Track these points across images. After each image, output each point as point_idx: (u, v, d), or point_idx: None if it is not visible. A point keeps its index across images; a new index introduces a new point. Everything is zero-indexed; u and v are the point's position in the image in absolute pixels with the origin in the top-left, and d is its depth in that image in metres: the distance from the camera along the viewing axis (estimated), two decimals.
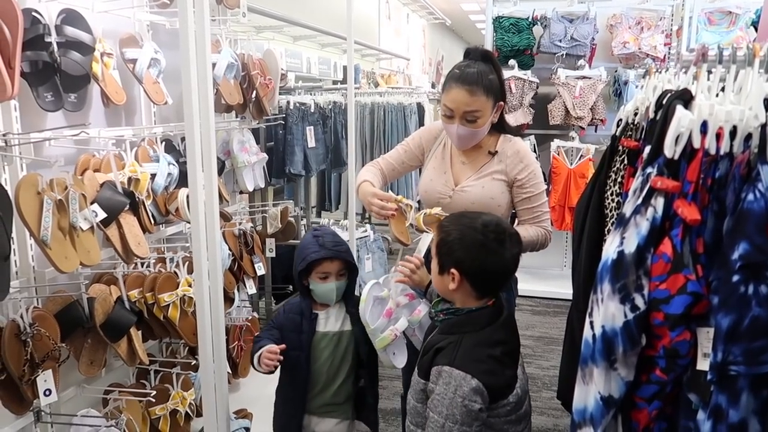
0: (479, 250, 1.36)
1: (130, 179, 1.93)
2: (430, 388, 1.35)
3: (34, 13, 1.67)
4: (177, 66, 2.07)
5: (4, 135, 1.59)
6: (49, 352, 1.60)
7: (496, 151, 1.85)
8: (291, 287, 3.82)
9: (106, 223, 1.77)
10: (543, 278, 4.72)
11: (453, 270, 1.38)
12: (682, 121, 1.03)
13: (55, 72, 1.72)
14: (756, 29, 3.88)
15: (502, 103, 1.82)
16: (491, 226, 1.38)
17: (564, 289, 4.32)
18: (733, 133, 1.02)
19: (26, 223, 1.52)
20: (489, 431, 1.34)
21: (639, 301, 1.07)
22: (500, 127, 1.88)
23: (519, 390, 1.38)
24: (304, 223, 4.07)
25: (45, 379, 1.60)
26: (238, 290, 2.57)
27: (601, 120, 4.07)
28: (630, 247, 1.08)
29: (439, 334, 1.42)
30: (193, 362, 2.27)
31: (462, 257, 1.37)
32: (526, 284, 4.59)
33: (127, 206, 1.84)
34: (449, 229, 1.42)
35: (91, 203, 1.74)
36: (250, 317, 2.70)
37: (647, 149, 1.19)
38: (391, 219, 1.76)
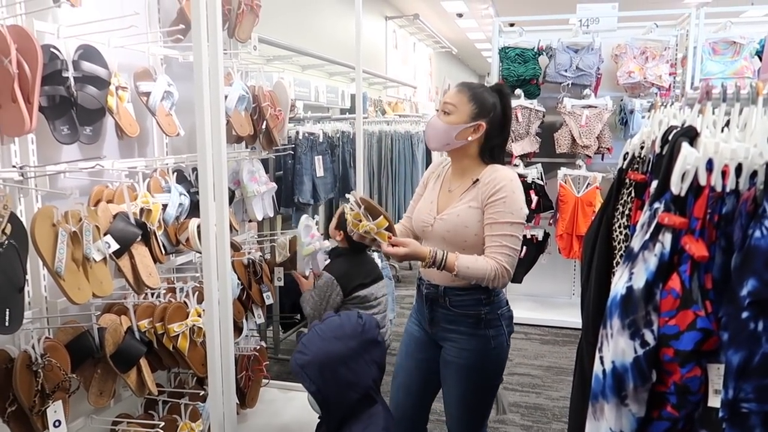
0: None
1: (142, 210, 1.95)
2: None
3: (52, 49, 1.71)
4: (189, 97, 2.13)
5: (21, 167, 1.62)
6: (60, 383, 1.61)
7: (478, 179, 1.85)
8: (299, 316, 3.80)
9: (118, 254, 1.79)
10: (551, 307, 4.70)
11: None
12: (688, 158, 1.04)
13: (72, 106, 1.75)
14: (760, 59, 3.92)
15: (482, 123, 1.84)
16: None
17: (572, 317, 4.30)
18: (739, 170, 1.03)
19: (41, 254, 1.54)
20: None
21: (649, 337, 1.07)
22: (491, 157, 1.89)
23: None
24: None
25: (55, 410, 1.61)
26: (246, 319, 2.58)
27: (608, 148, 4.08)
28: (639, 282, 1.08)
29: None
30: (202, 393, 2.26)
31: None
32: (533, 313, 4.59)
33: (139, 237, 1.87)
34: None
35: (105, 234, 1.76)
36: (258, 347, 2.70)
37: (654, 183, 1.20)
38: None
